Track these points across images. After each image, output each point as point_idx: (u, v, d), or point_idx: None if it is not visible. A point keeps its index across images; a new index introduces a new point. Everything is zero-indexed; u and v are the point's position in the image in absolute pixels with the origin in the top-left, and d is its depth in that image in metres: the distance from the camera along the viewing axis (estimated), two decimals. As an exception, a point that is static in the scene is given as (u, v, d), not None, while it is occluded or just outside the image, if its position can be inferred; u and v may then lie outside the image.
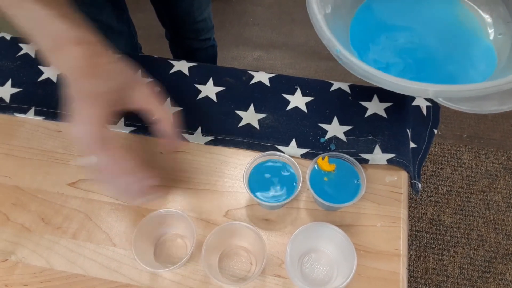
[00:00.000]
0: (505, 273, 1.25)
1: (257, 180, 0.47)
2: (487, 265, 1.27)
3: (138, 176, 0.41)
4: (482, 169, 1.45)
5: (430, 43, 0.51)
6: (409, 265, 1.22)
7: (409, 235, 0.45)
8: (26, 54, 0.60)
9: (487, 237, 1.32)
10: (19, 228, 0.47)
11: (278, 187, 0.47)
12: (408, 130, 0.54)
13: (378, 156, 0.51)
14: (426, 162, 1.46)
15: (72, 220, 0.48)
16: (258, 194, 0.46)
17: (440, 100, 0.46)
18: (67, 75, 0.41)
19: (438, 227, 1.34)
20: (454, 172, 1.44)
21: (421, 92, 0.40)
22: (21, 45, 0.61)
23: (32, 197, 0.49)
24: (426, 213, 1.36)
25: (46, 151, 0.52)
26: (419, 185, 0.53)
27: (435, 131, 0.58)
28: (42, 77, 0.58)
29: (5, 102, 0.56)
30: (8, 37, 0.62)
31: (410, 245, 0.40)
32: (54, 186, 0.50)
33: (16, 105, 0.55)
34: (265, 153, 0.48)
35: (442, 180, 1.43)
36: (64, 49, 0.41)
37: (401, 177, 0.51)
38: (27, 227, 0.47)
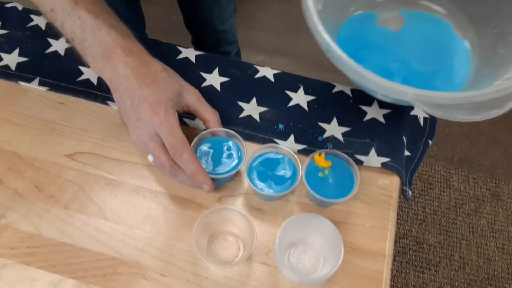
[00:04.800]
0: (483, 297, 1.27)
1: (257, 170, 0.48)
2: (466, 287, 1.28)
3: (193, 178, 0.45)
4: (470, 193, 1.47)
5: (411, 58, 0.55)
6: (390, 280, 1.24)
7: (393, 249, 0.46)
8: (36, 26, 0.60)
9: (469, 259, 1.33)
10: (12, 193, 0.47)
11: (277, 179, 0.47)
12: (404, 138, 0.55)
13: (373, 159, 0.52)
14: (416, 180, 1.48)
15: (66, 190, 0.48)
16: (256, 183, 0.47)
17: (417, 105, 0.47)
18: (122, 81, 0.44)
19: (421, 245, 1.35)
20: (442, 193, 1.46)
21: (401, 93, 0.42)
22: (32, 16, 0.61)
23: (28, 164, 0.49)
24: (411, 231, 1.38)
25: (47, 121, 0.53)
26: (410, 192, 0.54)
27: (430, 142, 0.60)
28: (50, 50, 0.58)
29: (10, 70, 0.56)
30: (20, 7, 0.62)
31: (392, 260, 0.41)
32: (51, 155, 0.50)
33: (21, 73, 0.56)
34: (267, 144, 0.49)
35: (430, 200, 1.45)
36: (117, 56, 0.44)
37: (393, 182, 0.52)
38: (20, 192, 0.47)
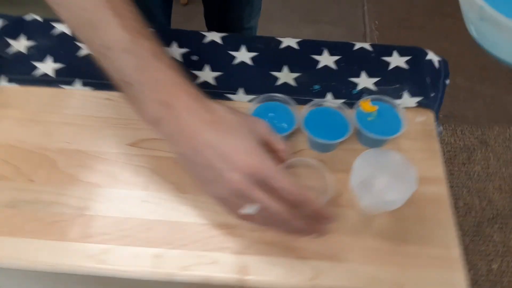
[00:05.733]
0: (493, 235, 1.36)
1: (311, 125, 0.52)
2: (476, 229, 1.36)
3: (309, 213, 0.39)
4: (460, 144, 1.56)
5: None
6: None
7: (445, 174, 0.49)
8: (62, 33, 0.61)
9: (472, 204, 1.42)
10: (90, 186, 0.49)
11: (331, 129, 0.52)
12: (427, 80, 0.61)
13: (407, 100, 0.57)
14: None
15: (139, 175, 0.50)
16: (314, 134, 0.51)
17: None
18: (191, 135, 0.39)
19: (428, 200, 1.43)
20: (436, 149, 1.55)
21: None
22: (54, 24, 0.62)
23: (95, 158, 0.51)
24: (416, 187, 1.45)
25: (100, 118, 0.54)
26: (441, 128, 0.59)
27: (447, 82, 0.65)
28: (83, 52, 0.60)
29: (50, 77, 0.57)
30: (40, 18, 0.63)
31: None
32: (114, 147, 0.52)
33: (63, 78, 0.57)
34: (314, 100, 0.53)
35: (426, 157, 1.53)
36: (180, 103, 0.39)
37: (429, 117, 0.57)
38: (97, 183, 0.49)
